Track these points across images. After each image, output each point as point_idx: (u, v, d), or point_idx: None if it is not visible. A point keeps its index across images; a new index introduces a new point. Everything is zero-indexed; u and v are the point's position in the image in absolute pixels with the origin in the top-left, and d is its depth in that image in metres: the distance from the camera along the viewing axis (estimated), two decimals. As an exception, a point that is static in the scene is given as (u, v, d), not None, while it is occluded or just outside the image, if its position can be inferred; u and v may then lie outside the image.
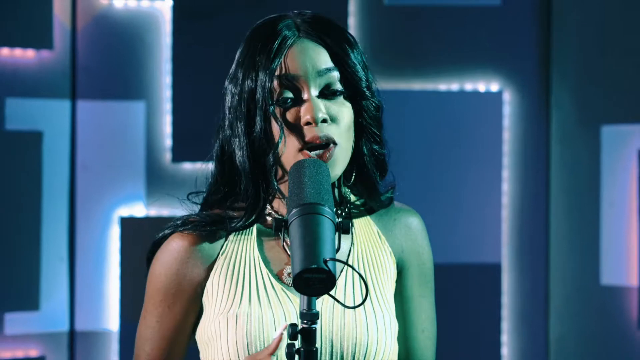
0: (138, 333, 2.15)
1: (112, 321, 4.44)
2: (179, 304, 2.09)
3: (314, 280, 1.75)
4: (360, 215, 2.14)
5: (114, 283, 4.45)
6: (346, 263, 1.91)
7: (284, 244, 2.04)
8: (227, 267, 2.08)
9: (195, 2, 4.51)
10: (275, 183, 2.04)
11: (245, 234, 2.10)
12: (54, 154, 4.42)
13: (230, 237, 2.09)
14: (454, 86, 4.57)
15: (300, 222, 1.80)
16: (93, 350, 4.45)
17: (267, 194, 2.08)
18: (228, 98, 2.07)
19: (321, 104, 2.01)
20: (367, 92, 2.04)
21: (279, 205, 2.10)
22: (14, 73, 4.37)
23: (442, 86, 4.56)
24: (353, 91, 2.04)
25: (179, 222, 2.12)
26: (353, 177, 2.10)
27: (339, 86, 2.02)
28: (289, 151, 2.02)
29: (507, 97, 4.58)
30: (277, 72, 2.01)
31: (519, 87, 4.58)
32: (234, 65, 2.08)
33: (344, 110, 2.02)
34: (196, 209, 2.14)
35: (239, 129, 2.04)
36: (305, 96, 2.02)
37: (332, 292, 1.86)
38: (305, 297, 1.80)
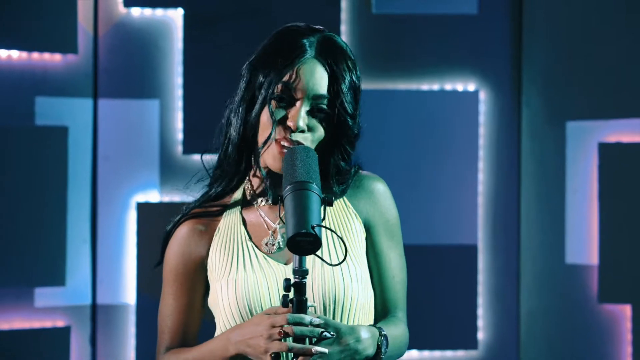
0: (159, 312, 2.34)
1: (129, 295, 4.49)
2: (188, 280, 2.31)
3: (304, 242, 1.99)
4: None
5: (131, 261, 4.50)
6: (330, 229, 2.10)
7: (280, 216, 2.23)
8: (221, 244, 2.30)
9: (204, 11, 4.51)
10: (259, 158, 2.23)
11: (232, 216, 2.31)
12: (78, 146, 4.46)
13: (222, 220, 2.31)
14: (435, 86, 4.59)
15: (293, 196, 2.04)
16: (113, 321, 4.49)
17: (247, 167, 2.30)
18: (243, 80, 2.28)
19: (306, 117, 2.21)
20: (350, 121, 2.24)
21: (256, 184, 2.31)
22: (43, 75, 4.40)
23: (424, 86, 4.58)
24: (339, 116, 2.24)
25: (180, 216, 2.35)
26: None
27: (324, 108, 2.23)
28: (266, 136, 2.23)
29: (483, 96, 4.61)
30: (284, 78, 2.20)
31: (493, 87, 4.62)
32: (257, 53, 2.27)
33: (320, 128, 2.23)
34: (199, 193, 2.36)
35: (240, 108, 2.27)
36: (297, 105, 2.21)
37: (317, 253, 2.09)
38: (297, 256, 2.03)
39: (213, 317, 2.33)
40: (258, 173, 2.29)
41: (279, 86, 2.22)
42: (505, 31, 4.62)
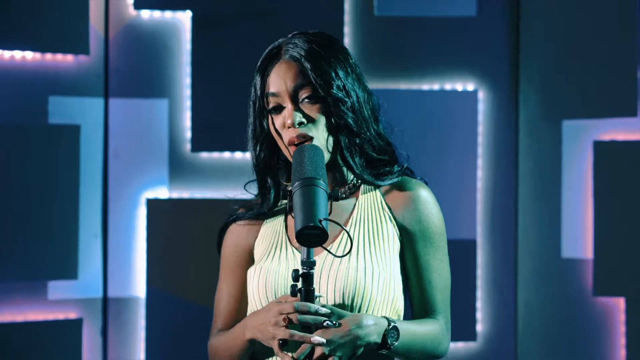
0: (215, 299, 2.45)
1: (139, 288, 4.50)
2: (239, 268, 2.42)
3: (311, 235, 2.06)
4: (369, 190, 2.37)
5: (141, 256, 4.50)
6: (336, 222, 2.15)
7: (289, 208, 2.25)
8: (265, 235, 2.40)
9: (211, 13, 4.51)
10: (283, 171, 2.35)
11: (278, 214, 2.41)
12: (90, 144, 4.45)
13: (269, 215, 2.41)
14: (435, 86, 4.59)
15: (300, 192, 2.11)
16: (123, 313, 4.49)
17: (277, 182, 2.38)
18: (248, 107, 2.39)
19: (297, 112, 2.28)
20: (336, 96, 2.28)
21: None
22: (56, 75, 4.39)
23: (425, 86, 4.59)
24: (323, 96, 2.28)
25: (231, 215, 2.44)
26: (330, 160, 2.32)
27: (309, 95, 2.28)
28: (282, 148, 2.33)
29: (481, 95, 4.61)
30: (265, 90, 2.31)
31: (491, 86, 4.62)
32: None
33: (317, 113, 2.28)
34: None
35: (248, 133, 2.38)
36: (285, 106, 2.29)
37: (327, 246, 2.18)
38: (305, 249, 2.10)
39: None
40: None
41: (264, 100, 2.31)
42: (503, 33, 4.62)
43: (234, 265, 2.43)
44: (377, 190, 2.37)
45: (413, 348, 2.27)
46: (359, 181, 2.37)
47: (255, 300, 2.33)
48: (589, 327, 4.49)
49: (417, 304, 2.36)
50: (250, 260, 2.42)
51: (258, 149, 2.36)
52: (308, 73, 2.27)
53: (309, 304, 2.13)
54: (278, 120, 2.30)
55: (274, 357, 2.31)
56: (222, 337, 2.39)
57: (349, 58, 2.34)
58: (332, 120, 2.29)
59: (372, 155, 2.36)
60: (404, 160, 2.41)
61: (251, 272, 2.36)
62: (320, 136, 2.28)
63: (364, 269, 2.27)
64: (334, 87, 2.28)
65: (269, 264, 2.33)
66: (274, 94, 2.30)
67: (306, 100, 2.28)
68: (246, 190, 2.44)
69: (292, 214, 2.16)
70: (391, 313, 2.30)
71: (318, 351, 2.14)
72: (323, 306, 2.16)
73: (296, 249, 2.32)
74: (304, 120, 2.27)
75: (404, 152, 2.45)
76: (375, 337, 2.19)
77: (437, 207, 2.39)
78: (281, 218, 2.40)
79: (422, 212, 2.36)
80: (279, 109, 2.31)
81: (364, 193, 2.37)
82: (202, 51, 4.52)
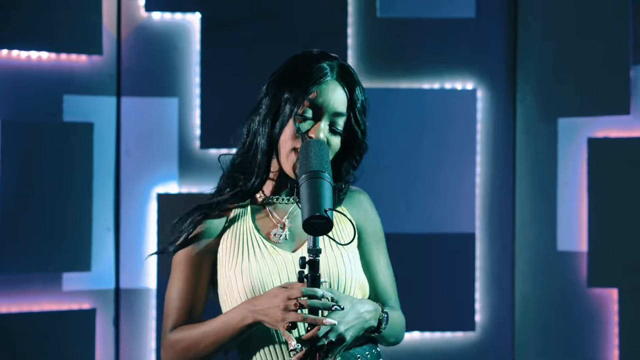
0: (166, 298, 2.44)
1: (150, 280, 4.51)
2: (197, 264, 2.43)
3: (317, 224, 2.12)
4: None
5: (152, 248, 4.49)
6: (341, 212, 2.28)
7: (296, 200, 2.37)
8: (231, 236, 2.41)
9: (220, 15, 4.52)
10: (279, 162, 2.39)
11: (241, 212, 2.43)
12: (103, 141, 4.47)
13: (232, 215, 2.43)
14: (435, 85, 4.61)
15: (307, 184, 2.17)
16: (135, 304, 4.51)
17: (268, 172, 2.42)
18: (269, 96, 2.40)
19: (327, 129, 2.36)
20: (361, 136, 2.41)
21: (268, 188, 2.44)
22: (70, 74, 4.41)
23: (425, 85, 4.60)
24: (352, 131, 2.40)
25: (193, 209, 2.46)
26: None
27: (341, 127, 2.38)
28: (284, 149, 2.37)
29: (480, 94, 4.63)
30: (310, 96, 2.35)
31: (490, 86, 4.64)
32: (279, 73, 2.41)
33: (336, 141, 2.38)
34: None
35: (268, 120, 2.40)
36: (319, 120, 2.36)
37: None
38: (311, 237, 2.16)
39: (215, 299, 2.44)
40: (273, 176, 2.43)
41: (305, 102, 2.35)
42: (501, 34, 4.63)
43: (193, 261, 2.43)
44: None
45: (392, 332, 2.40)
46: None
47: (241, 300, 2.36)
48: (583, 317, 4.50)
49: (371, 294, 2.47)
50: (209, 257, 2.44)
51: (268, 140, 2.40)
52: (354, 110, 2.39)
53: (316, 289, 2.18)
54: (303, 125, 2.36)
55: (270, 346, 2.36)
56: (199, 328, 2.37)
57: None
58: (345, 152, 2.41)
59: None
60: (383, 155, 2.54)
61: (230, 276, 2.38)
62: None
63: (348, 256, 2.38)
64: (362, 131, 2.42)
65: (247, 263, 2.37)
66: (317, 105, 2.36)
67: (335, 127, 2.38)
68: (219, 161, 2.50)
69: (268, 203, 2.32)
70: (366, 294, 2.44)
71: (331, 334, 2.20)
72: (330, 291, 2.23)
73: (274, 244, 2.38)
74: (325, 139, 2.35)
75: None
76: (374, 322, 2.32)
77: (375, 208, 2.53)
78: (246, 218, 2.43)
79: (370, 214, 2.50)
80: (308, 117, 2.37)
81: None
82: (211, 52, 4.53)
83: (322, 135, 2.33)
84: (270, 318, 2.24)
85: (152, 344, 4.54)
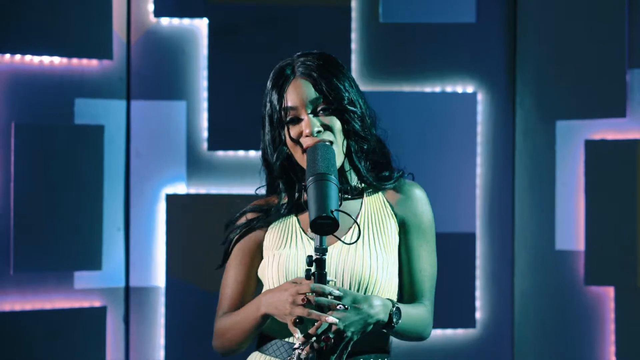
0: (222, 284, 2.52)
1: (159, 278, 4.53)
2: (247, 255, 2.52)
3: (324, 224, 2.18)
4: (373, 193, 2.51)
5: (161, 247, 4.53)
6: (346, 212, 2.27)
7: (303, 201, 2.45)
8: (276, 228, 2.51)
9: (226, 21, 4.54)
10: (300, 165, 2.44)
11: (289, 213, 2.52)
12: (113, 143, 4.48)
13: (279, 215, 2.52)
14: (437, 88, 4.62)
15: (314, 185, 2.23)
16: (144, 301, 4.53)
17: (299, 184, 2.49)
18: (264, 114, 2.49)
19: (315, 119, 2.40)
20: (348, 107, 2.42)
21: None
22: (81, 78, 4.43)
23: (427, 88, 4.61)
24: (338, 108, 2.42)
25: (246, 208, 2.55)
26: (343, 164, 2.45)
27: (324, 107, 2.41)
28: (297, 155, 2.44)
29: (480, 97, 4.64)
30: (283, 105, 2.43)
31: (489, 89, 4.65)
32: (266, 88, 2.48)
33: (333, 120, 2.42)
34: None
35: (266, 142, 2.49)
36: (302, 117, 2.41)
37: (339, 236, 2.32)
38: (318, 237, 2.21)
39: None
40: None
41: (282, 113, 2.42)
42: (500, 38, 4.64)
43: (243, 252, 2.52)
44: (380, 192, 2.51)
45: (408, 328, 2.40)
46: (362, 184, 2.50)
47: (274, 283, 2.43)
48: (580, 314, 4.50)
49: (407, 289, 2.48)
50: (258, 249, 2.52)
51: (276, 156, 2.47)
52: (322, 88, 2.42)
53: (323, 285, 2.22)
54: (294, 130, 2.42)
55: (284, 338, 2.43)
56: (232, 317, 2.46)
57: (349, 74, 2.49)
58: (345, 127, 2.43)
59: (374, 159, 2.49)
60: (394, 160, 2.55)
61: (269, 259, 2.46)
62: (338, 140, 2.42)
63: (370, 256, 2.40)
64: (345, 99, 2.43)
65: (284, 250, 2.44)
66: (292, 108, 2.42)
67: (321, 112, 2.42)
68: (256, 193, 2.56)
69: (302, 194, 2.37)
70: (390, 296, 2.43)
71: (334, 327, 2.24)
72: (337, 289, 2.26)
73: (310, 238, 2.44)
74: (320, 128, 2.40)
75: (390, 151, 2.56)
76: (383, 316, 2.32)
77: (429, 205, 2.52)
78: (292, 215, 2.51)
79: (417, 208, 2.50)
80: (296, 120, 2.42)
81: (368, 194, 2.51)
82: (218, 56, 4.54)
83: (314, 128, 2.38)
84: (279, 311, 2.30)
85: (161, 340, 4.56)
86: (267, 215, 2.53)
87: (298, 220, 2.50)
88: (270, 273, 2.46)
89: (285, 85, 2.44)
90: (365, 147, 2.45)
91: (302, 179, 2.49)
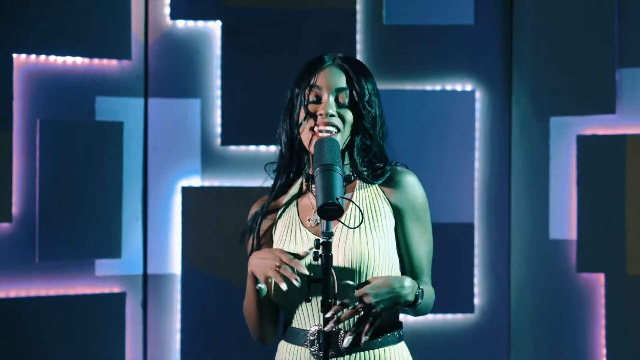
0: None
1: (175, 266, 4.59)
2: (264, 237, 2.58)
3: (330, 210, 2.24)
4: (368, 184, 2.52)
5: (177, 237, 4.58)
6: (350, 199, 2.38)
7: (310, 192, 2.50)
8: (282, 221, 2.56)
9: (239, 23, 4.59)
10: (308, 149, 2.48)
11: (291, 199, 2.55)
12: (132, 139, 4.53)
13: (284, 201, 2.56)
14: (437, 87, 4.68)
15: (321, 176, 2.29)
16: (161, 288, 4.58)
17: (301, 160, 2.54)
18: (286, 99, 2.56)
19: (334, 105, 2.47)
20: (367, 106, 2.48)
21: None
22: (102, 77, 4.48)
23: (428, 87, 4.68)
24: (357, 103, 2.49)
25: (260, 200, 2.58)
26: (347, 157, 2.50)
27: (346, 99, 2.47)
28: (305, 129, 2.47)
29: (478, 95, 4.70)
30: (311, 83, 2.49)
31: (487, 87, 4.70)
32: (294, 78, 2.54)
33: (348, 113, 2.48)
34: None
35: (286, 118, 2.55)
36: (324, 99, 2.47)
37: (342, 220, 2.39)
38: (324, 221, 2.27)
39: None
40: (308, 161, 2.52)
41: (308, 90, 2.48)
42: (497, 40, 4.69)
43: (265, 237, 2.58)
44: (376, 183, 2.54)
45: (424, 305, 2.46)
46: (356, 176, 2.53)
47: None
48: (573, 300, 4.55)
49: (407, 268, 2.53)
50: (270, 234, 2.56)
51: (296, 132, 2.51)
52: (352, 82, 2.48)
53: (299, 262, 2.33)
54: (312, 107, 2.47)
55: (306, 306, 2.46)
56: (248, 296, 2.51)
57: (375, 83, 2.55)
58: (356, 122, 2.49)
59: (372, 160, 2.54)
60: (389, 152, 2.61)
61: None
62: (345, 131, 2.48)
63: (366, 241, 2.44)
64: (366, 99, 2.49)
65: (287, 245, 2.50)
66: (318, 87, 2.47)
67: (341, 102, 2.48)
68: (265, 170, 2.58)
69: (314, 194, 2.39)
70: (389, 273, 2.48)
71: (367, 299, 2.31)
72: (346, 283, 2.33)
73: (307, 229, 2.48)
74: (335, 114, 2.46)
75: (393, 145, 2.61)
76: (411, 297, 2.38)
77: (421, 188, 2.54)
78: (293, 204, 2.54)
79: (410, 193, 2.53)
80: (318, 101, 2.47)
81: (360, 186, 2.54)
82: (231, 56, 4.60)
83: (330, 110, 2.43)
84: (257, 268, 2.37)
85: (177, 324, 4.60)
86: (276, 203, 2.59)
87: (298, 211, 2.53)
88: None
89: (319, 68, 2.49)
90: (368, 143, 2.49)
91: (302, 163, 2.54)
